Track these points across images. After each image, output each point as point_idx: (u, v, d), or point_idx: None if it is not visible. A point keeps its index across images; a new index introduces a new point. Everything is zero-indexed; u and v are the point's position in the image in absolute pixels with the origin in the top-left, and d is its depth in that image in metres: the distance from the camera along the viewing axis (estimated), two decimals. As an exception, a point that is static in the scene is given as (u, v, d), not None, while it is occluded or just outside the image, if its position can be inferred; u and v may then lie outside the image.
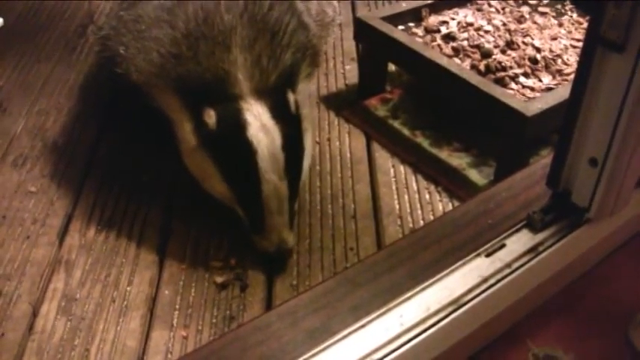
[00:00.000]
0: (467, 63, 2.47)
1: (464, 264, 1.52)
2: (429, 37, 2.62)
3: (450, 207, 2.23)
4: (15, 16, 3.15)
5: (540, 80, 2.42)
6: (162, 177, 2.35)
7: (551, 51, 2.55)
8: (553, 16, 2.82)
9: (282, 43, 2.05)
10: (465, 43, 2.56)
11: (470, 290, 1.46)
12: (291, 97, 2.01)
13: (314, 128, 2.51)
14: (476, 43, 2.55)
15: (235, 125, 1.94)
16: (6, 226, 2.14)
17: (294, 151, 2.02)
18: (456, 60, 2.48)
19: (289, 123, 2.00)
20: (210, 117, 1.93)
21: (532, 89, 2.38)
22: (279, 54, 2.04)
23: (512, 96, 2.27)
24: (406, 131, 2.54)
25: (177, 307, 1.93)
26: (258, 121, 1.94)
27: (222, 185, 2.02)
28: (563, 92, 2.22)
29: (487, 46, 2.53)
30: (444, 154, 2.44)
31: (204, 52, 1.98)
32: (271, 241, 2.03)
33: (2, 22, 3.05)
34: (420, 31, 2.67)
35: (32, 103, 2.66)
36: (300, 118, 2.05)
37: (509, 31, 2.64)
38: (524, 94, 2.35)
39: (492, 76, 2.39)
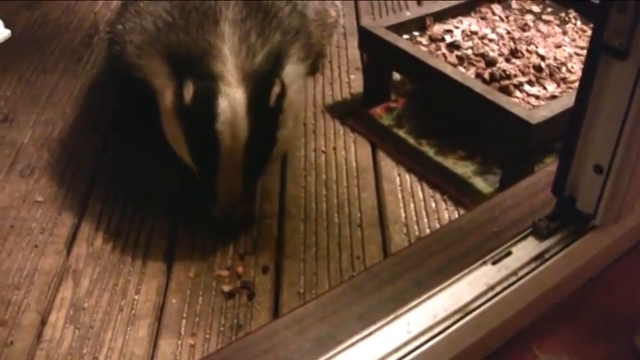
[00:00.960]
0: (471, 71, 2.48)
1: (470, 272, 1.52)
2: (433, 46, 2.63)
3: (455, 215, 2.24)
4: (21, 28, 3.16)
5: (545, 88, 2.43)
6: (168, 186, 2.35)
7: (555, 59, 2.55)
8: (557, 24, 2.83)
9: (272, 24, 2.09)
10: (470, 51, 2.57)
11: (476, 298, 1.47)
12: (276, 89, 2.02)
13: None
14: (480, 51, 2.56)
15: (207, 107, 1.96)
16: (14, 236, 2.15)
17: (259, 149, 2.05)
18: (461, 68, 2.49)
19: (264, 116, 2.02)
20: (189, 91, 1.97)
21: (537, 97, 2.38)
22: (268, 33, 2.07)
23: (516, 104, 2.28)
24: (411, 140, 2.55)
25: (184, 315, 1.94)
26: (230, 110, 1.96)
27: (188, 158, 2.10)
28: (567, 100, 2.22)
29: (491, 54, 2.54)
30: (449, 163, 2.44)
31: (194, 22, 2.04)
32: (221, 210, 2.12)
33: (9, 34, 3.06)
34: (424, 40, 2.68)
35: (39, 113, 2.67)
36: (279, 110, 2.07)
37: (513, 39, 2.64)
38: (528, 102, 2.35)
39: (497, 85, 2.40)
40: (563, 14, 2.90)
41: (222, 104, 1.96)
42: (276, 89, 2.02)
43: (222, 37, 2.01)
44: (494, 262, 1.54)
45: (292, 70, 2.16)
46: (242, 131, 1.97)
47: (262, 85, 2.01)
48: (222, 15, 2.03)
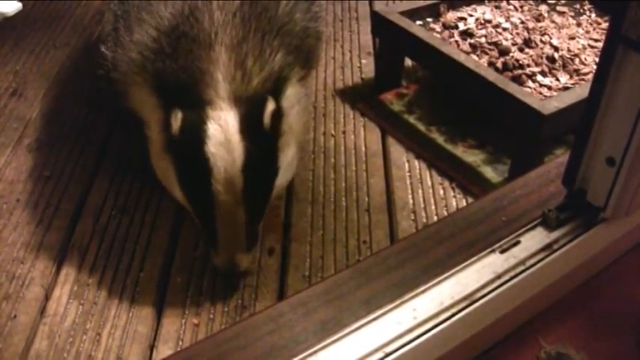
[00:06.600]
0: (484, 60, 2.46)
1: (478, 260, 1.52)
2: (446, 33, 2.61)
3: (463, 203, 2.23)
4: (32, 2, 3.15)
5: (557, 79, 2.42)
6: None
7: (569, 50, 2.54)
8: (571, 16, 2.81)
9: (272, 45, 1.91)
10: (483, 40, 2.55)
11: (484, 286, 1.46)
12: (269, 107, 1.82)
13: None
14: (494, 40, 2.54)
15: (196, 135, 1.79)
16: (20, 210, 2.15)
17: (261, 172, 1.85)
18: (474, 57, 2.48)
19: (260, 139, 1.82)
20: (177, 120, 1.79)
21: (549, 88, 2.37)
22: (268, 56, 1.89)
23: (529, 94, 2.26)
24: (421, 126, 2.54)
25: (188, 294, 1.94)
26: (222, 135, 1.78)
27: (180, 194, 1.90)
28: (580, 92, 2.22)
29: (505, 43, 2.52)
30: (458, 151, 2.43)
31: (183, 49, 1.85)
32: (222, 260, 1.92)
33: (20, 7, 3.05)
34: (437, 27, 2.66)
35: (48, 88, 2.67)
36: (278, 133, 1.87)
37: (527, 29, 2.63)
38: (541, 93, 2.34)
39: (509, 74, 2.39)
40: (577, 6, 2.88)
41: (212, 128, 1.78)
42: (270, 107, 1.82)
43: (216, 63, 1.82)
44: (503, 251, 1.54)
45: (293, 93, 1.98)
46: (237, 156, 1.78)
47: (255, 107, 1.82)
48: (216, 39, 1.84)
